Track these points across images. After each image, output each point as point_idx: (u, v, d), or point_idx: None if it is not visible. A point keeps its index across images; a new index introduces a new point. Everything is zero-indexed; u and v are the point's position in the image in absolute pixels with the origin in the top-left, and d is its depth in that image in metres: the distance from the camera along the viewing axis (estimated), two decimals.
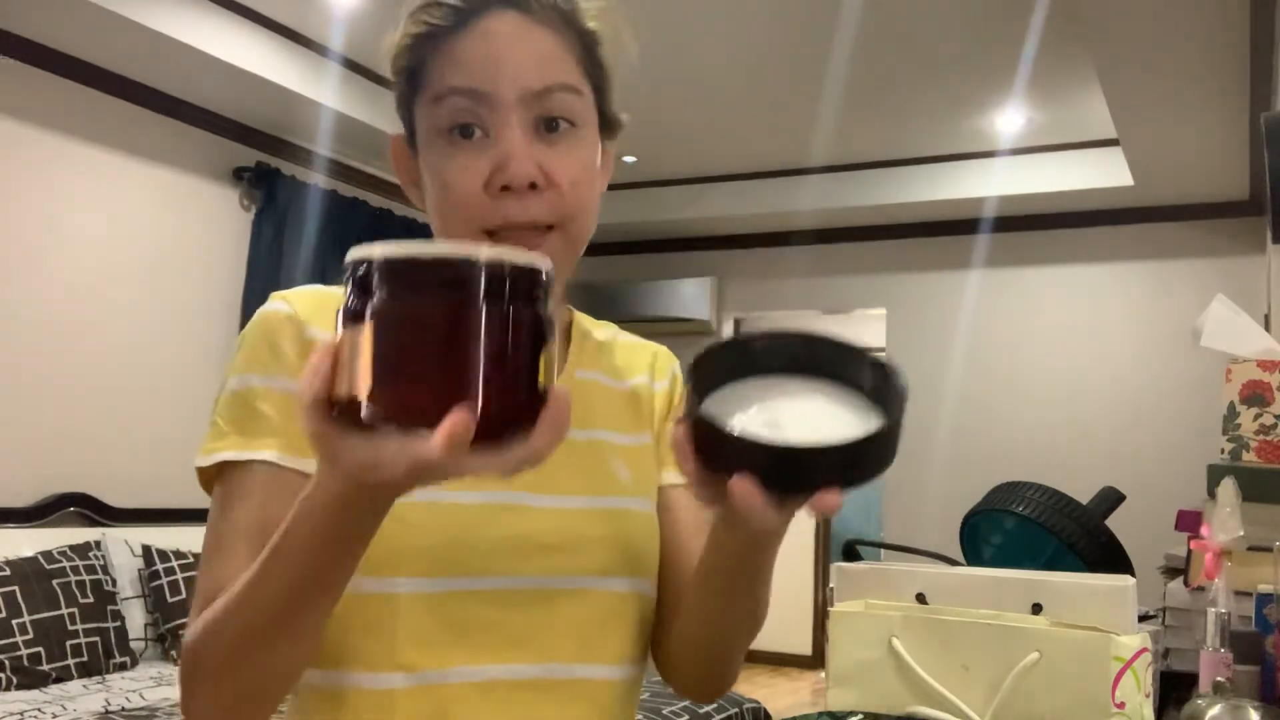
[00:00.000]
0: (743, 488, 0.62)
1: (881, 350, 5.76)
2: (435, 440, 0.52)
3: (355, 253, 0.57)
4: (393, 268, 0.55)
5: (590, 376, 0.93)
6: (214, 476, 0.81)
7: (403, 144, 0.88)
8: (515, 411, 0.56)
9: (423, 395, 0.54)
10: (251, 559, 0.71)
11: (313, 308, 0.83)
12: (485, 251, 0.56)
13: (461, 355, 0.55)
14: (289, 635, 0.69)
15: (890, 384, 0.67)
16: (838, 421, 0.66)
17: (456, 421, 0.52)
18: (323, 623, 0.70)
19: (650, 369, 0.98)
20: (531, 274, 0.57)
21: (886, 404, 0.67)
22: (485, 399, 0.54)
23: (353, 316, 0.57)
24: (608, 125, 0.89)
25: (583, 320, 0.98)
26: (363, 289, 0.56)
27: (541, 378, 0.57)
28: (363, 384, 0.55)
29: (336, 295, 0.85)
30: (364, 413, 0.56)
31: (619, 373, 0.96)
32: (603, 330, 0.99)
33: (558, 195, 0.82)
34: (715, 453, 0.64)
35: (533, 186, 0.80)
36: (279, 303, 0.83)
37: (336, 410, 0.57)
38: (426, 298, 0.55)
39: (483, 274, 0.55)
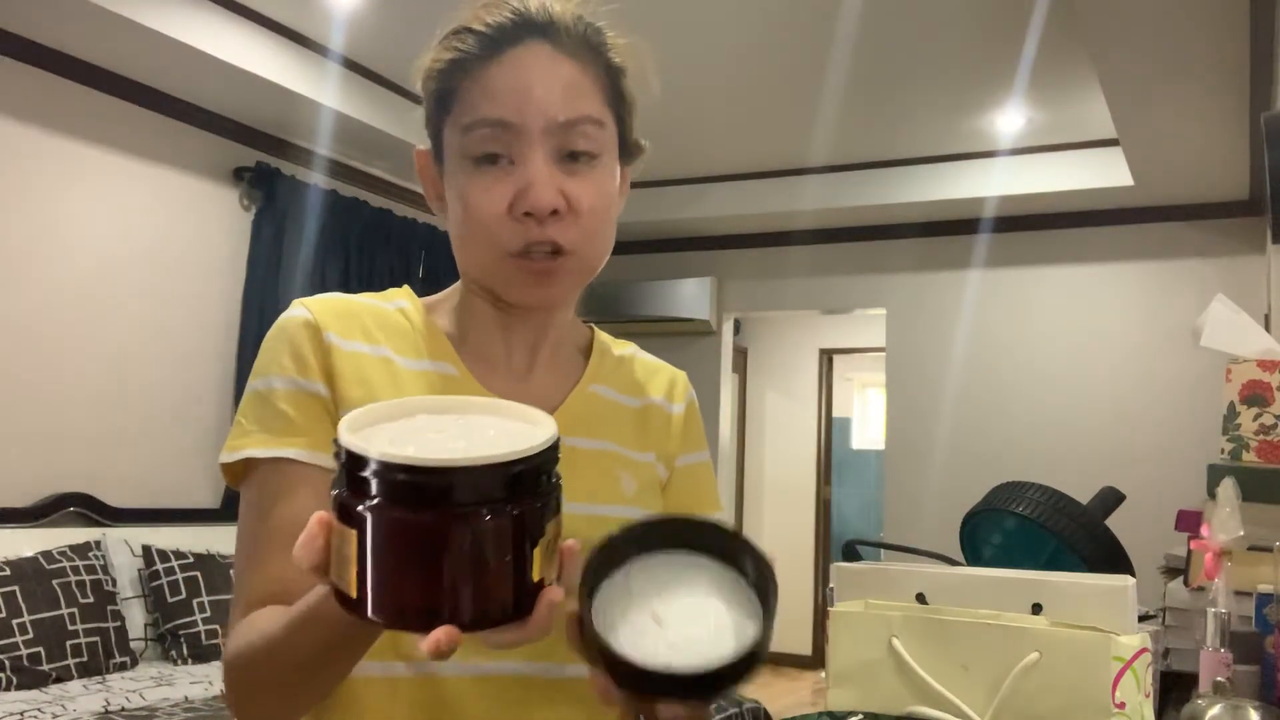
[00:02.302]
0: (599, 685, 0.65)
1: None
2: (423, 647, 0.55)
3: (350, 440, 0.57)
4: (380, 474, 0.55)
5: (602, 391, 0.97)
6: (240, 474, 0.85)
7: (429, 159, 0.92)
8: (501, 616, 0.57)
9: (410, 603, 0.56)
10: (284, 559, 0.76)
11: (332, 315, 0.88)
12: (487, 454, 0.55)
13: (449, 567, 0.55)
14: (315, 681, 0.75)
15: (767, 579, 0.67)
16: (720, 621, 0.66)
17: (441, 639, 0.55)
18: (350, 668, 0.75)
19: (668, 392, 1.02)
20: (527, 466, 0.56)
21: (764, 598, 0.67)
22: (471, 608, 0.56)
23: (342, 510, 0.57)
24: (627, 152, 0.93)
25: (603, 337, 1.02)
26: (352, 484, 0.56)
27: (536, 572, 0.58)
28: (351, 581, 0.56)
29: (357, 304, 0.90)
30: (355, 608, 0.57)
31: (632, 390, 1.00)
32: (622, 348, 1.03)
33: (576, 221, 0.85)
34: (587, 647, 0.66)
35: (554, 213, 0.84)
36: (299, 309, 0.87)
37: (332, 587, 0.59)
38: (417, 510, 0.55)
39: (471, 483, 0.55)
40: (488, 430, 0.61)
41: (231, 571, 0.87)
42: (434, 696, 0.82)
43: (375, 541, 0.55)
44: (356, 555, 0.55)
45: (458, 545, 0.55)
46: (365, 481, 0.55)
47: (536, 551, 0.57)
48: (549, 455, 0.58)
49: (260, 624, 0.77)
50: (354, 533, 0.55)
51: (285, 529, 0.80)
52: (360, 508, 0.55)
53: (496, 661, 0.83)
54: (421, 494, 0.54)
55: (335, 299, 0.90)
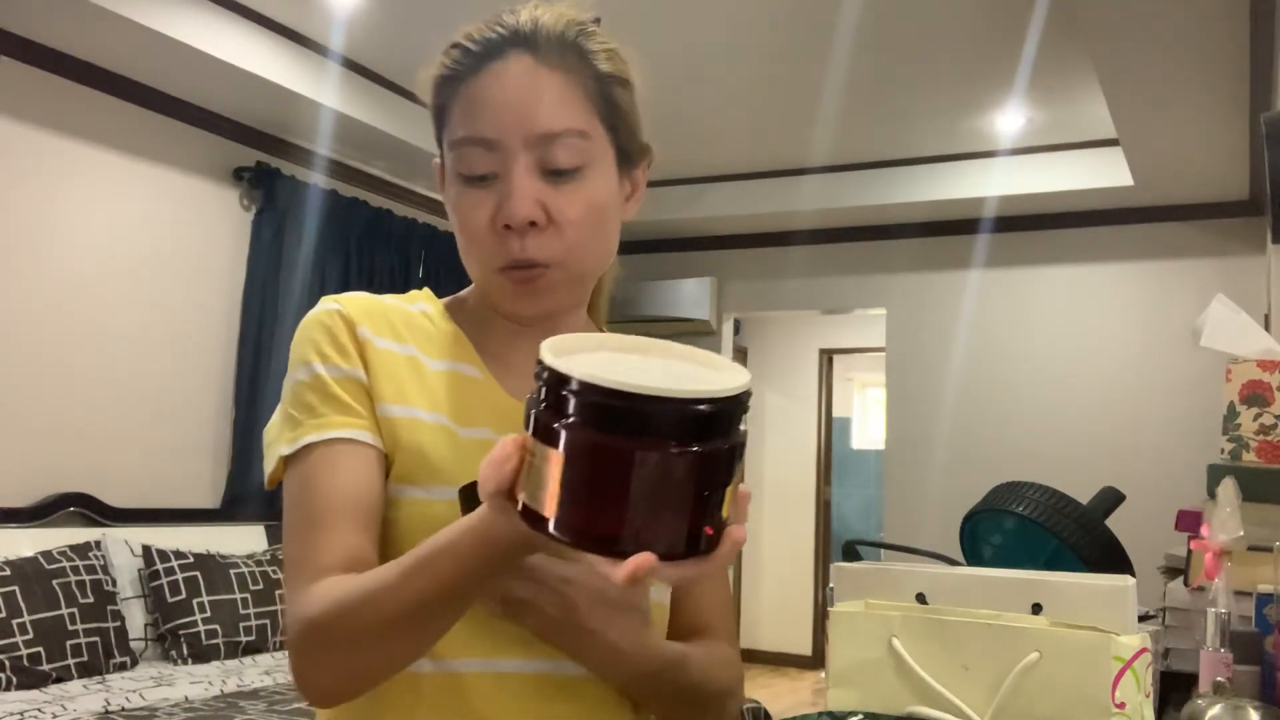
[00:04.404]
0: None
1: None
2: (619, 575, 0.56)
3: (554, 360, 0.57)
4: (593, 397, 0.55)
5: None
6: (296, 459, 0.85)
7: (441, 170, 0.93)
8: (695, 547, 0.58)
9: (610, 529, 0.56)
10: (352, 529, 0.80)
11: (364, 312, 0.89)
12: (692, 388, 0.55)
13: (655, 497, 0.55)
14: (420, 632, 0.75)
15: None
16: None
17: (641, 564, 0.55)
18: (452, 624, 0.76)
19: None
20: (735, 405, 0.57)
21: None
22: (670, 538, 0.56)
23: (544, 431, 0.57)
24: (629, 158, 0.92)
25: None
26: (558, 405, 0.57)
27: (725, 510, 0.59)
28: (550, 502, 0.57)
29: (385, 304, 0.92)
30: (550, 527, 0.58)
31: None
32: None
33: (558, 234, 0.86)
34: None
35: (533, 225, 0.85)
36: (332, 304, 0.89)
37: (519, 506, 0.59)
38: (625, 436, 0.55)
39: (687, 414, 0.55)
40: (682, 369, 0.61)
41: (281, 551, 0.86)
42: (454, 693, 0.83)
43: (579, 463, 0.56)
44: (559, 475, 0.56)
45: (666, 476, 0.55)
46: (572, 402, 0.55)
47: (729, 490, 0.58)
48: (748, 402, 0.59)
49: (351, 581, 0.76)
50: (557, 453, 0.56)
51: (351, 501, 0.82)
52: (566, 427, 0.56)
53: (515, 660, 0.84)
54: (640, 422, 0.54)
55: (364, 297, 0.91)
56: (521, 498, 0.59)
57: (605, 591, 0.79)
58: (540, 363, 0.58)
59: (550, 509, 0.57)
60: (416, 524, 0.83)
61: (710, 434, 0.56)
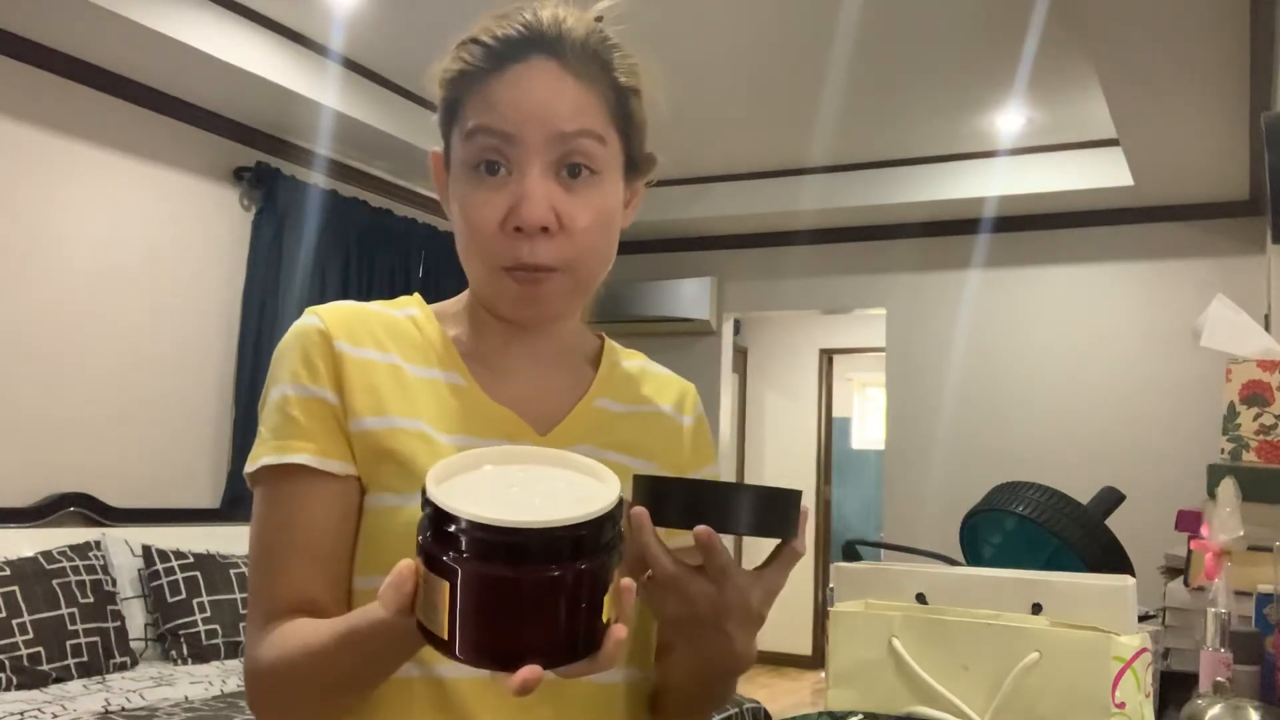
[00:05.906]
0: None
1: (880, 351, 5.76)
2: (510, 685, 0.60)
3: (435, 491, 0.62)
4: (474, 533, 0.60)
5: (609, 405, 0.97)
6: (258, 480, 0.87)
7: (442, 162, 0.93)
8: (580, 652, 0.63)
9: (498, 646, 0.61)
10: (306, 570, 0.83)
11: (343, 323, 0.89)
12: (564, 516, 0.60)
13: (536, 615, 0.61)
14: (358, 690, 0.80)
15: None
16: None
17: (529, 677, 0.60)
18: (390, 674, 0.79)
19: (678, 404, 1.03)
20: (603, 524, 0.62)
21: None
22: (554, 648, 0.62)
23: (430, 562, 0.62)
24: (635, 168, 0.93)
25: (614, 350, 1.02)
26: (442, 537, 0.61)
27: (606, 614, 0.63)
28: (443, 625, 0.62)
29: (367, 311, 0.92)
30: (448, 649, 0.62)
31: (640, 401, 1.00)
32: (633, 360, 1.03)
33: (568, 239, 0.85)
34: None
35: (545, 230, 0.84)
36: (312, 318, 0.89)
37: (418, 624, 0.64)
38: (505, 565, 0.60)
39: (559, 543, 0.60)
40: (558, 485, 0.66)
41: (246, 575, 0.89)
42: (444, 698, 0.84)
43: (465, 592, 0.60)
44: (448, 603, 0.61)
45: (541, 598, 0.60)
46: (455, 536, 0.60)
47: (606, 597, 0.63)
48: (619, 512, 0.64)
49: (298, 636, 0.80)
50: (445, 583, 0.61)
51: (301, 539, 0.84)
52: (451, 560, 0.60)
53: None
54: (512, 552, 0.59)
55: (346, 307, 0.91)
56: (419, 618, 0.64)
57: (747, 603, 0.78)
58: (424, 493, 0.63)
59: (445, 632, 0.62)
60: (387, 529, 0.84)
61: (583, 552, 0.61)
